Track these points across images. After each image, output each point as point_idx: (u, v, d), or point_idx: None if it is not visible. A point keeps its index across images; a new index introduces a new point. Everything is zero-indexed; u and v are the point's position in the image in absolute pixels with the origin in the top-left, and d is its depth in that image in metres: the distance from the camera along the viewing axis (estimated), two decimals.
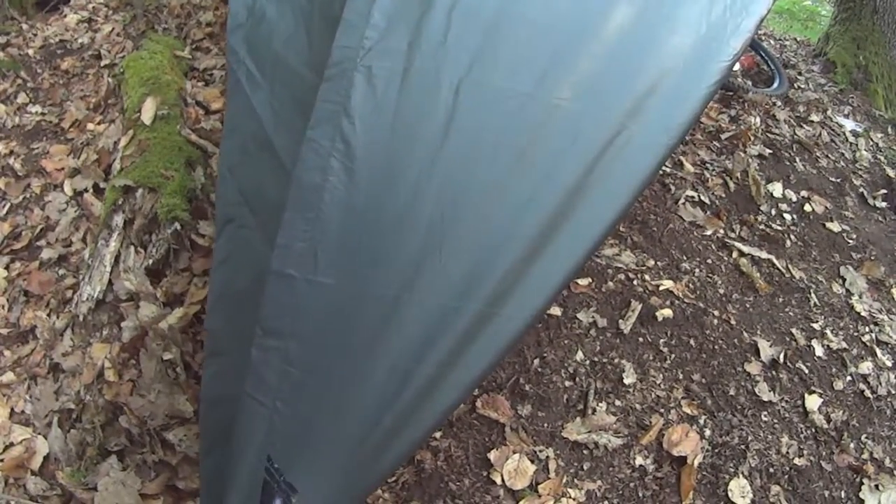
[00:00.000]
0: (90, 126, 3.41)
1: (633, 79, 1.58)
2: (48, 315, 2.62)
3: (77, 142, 3.37)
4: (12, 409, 2.34)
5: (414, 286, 1.47)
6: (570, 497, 1.97)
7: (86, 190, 3.01)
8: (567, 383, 2.21)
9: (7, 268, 2.84)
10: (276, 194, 1.62)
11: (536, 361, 2.22)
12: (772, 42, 5.13)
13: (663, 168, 3.04)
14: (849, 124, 4.08)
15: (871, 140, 4.04)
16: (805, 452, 2.25)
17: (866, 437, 2.37)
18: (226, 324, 1.73)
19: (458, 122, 1.50)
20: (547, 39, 1.58)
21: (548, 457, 2.04)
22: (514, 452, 2.02)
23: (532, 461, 2.02)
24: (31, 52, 4.15)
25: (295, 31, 1.81)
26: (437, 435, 2.02)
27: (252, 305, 1.54)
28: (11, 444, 2.21)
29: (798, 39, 5.50)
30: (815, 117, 3.92)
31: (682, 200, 2.95)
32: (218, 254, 1.83)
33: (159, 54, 3.30)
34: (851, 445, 2.32)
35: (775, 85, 4.03)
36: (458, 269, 1.48)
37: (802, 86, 4.30)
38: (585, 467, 2.05)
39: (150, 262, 2.43)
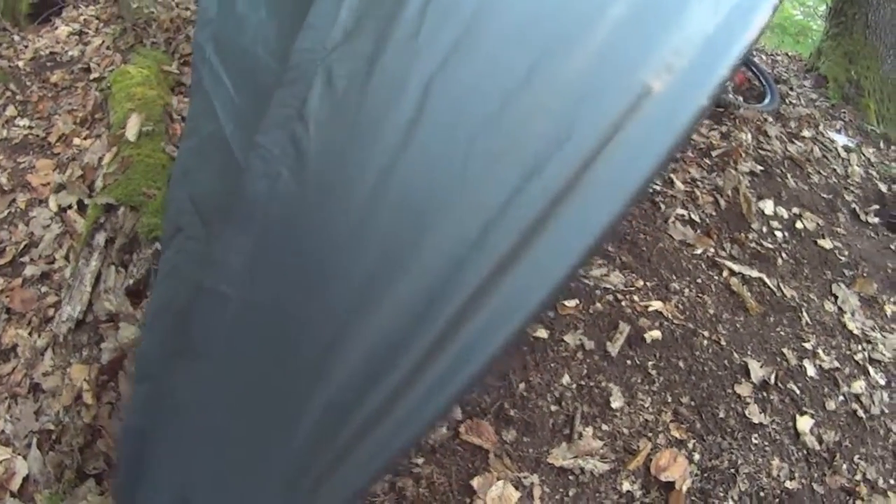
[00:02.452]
0: (76, 141, 3.38)
1: (629, 79, 1.41)
2: (29, 334, 2.58)
3: (63, 156, 3.34)
4: None
5: (365, 308, 1.30)
6: None
7: (70, 206, 2.97)
8: (553, 408, 2.17)
9: None
10: (227, 201, 1.49)
11: (522, 385, 2.18)
12: (763, 57, 5.13)
13: (653, 186, 3.03)
14: (841, 139, 4.07)
15: (863, 155, 4.04)
16: (796, 475, 2.23)
17: (859, 458, 2.34)
18: (159, 345, 1.55)
19: (425, 123, 1.35)
20: (535, 33, 1.43)
21: (532, 483, 2.00)
22: (498, 479, 1.98)
23: (516, 488, 1.97)
24: (21, 63, 4.14)
25: (266, 21, 1.67)
26: (420, 461, 1.98)
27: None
28: None
29: (789, 55, 5.50)
30: (806, 133, 3.91)
31: (671, 219, 2.92)
32: (163, 266, 1.68)
33: (146, 69, 3.28)
34: (844, 467, 2.29)
35: (767, 101, 4.03)
36: (417, 288, 1.30)
37: (794, 101, 4.30)
38: (571, 494, 2.01)
39: (131, 282, 2.38)
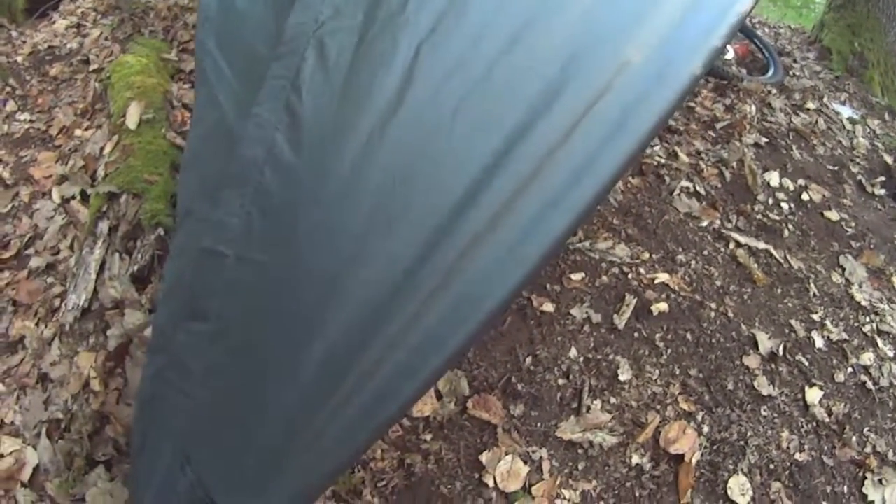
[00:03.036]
0: (77, 132, 3.38)
1: (615, 44, 1.42)
2: (36, 325, 2.59)
3: (65, 148, 3.34)
4: (2, 421, 2.31)
5: (357, 262, 1.34)
6: (564, 498, 1.92)
7: (73, 197, 2.97)
8: (560, 381, 2.16)
9: None
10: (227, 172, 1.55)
11: (529, 360, 2.18)
12: (766, 30, 5.09)
13: (658, 159, 3.01)
14: (845, 111, 4.04)
15: (868, 127, 4.00)
16: (806, 447, 2.21)
17: (868, 430, 2.32)
18: (171, 318, 1.62)
19: (414, 88, 1.40)
20: (520, 1, 1.47)
21: (541, 457, 2.00)
22: (507, 454, 1.98)
23: (525, 462, 1.97)
24: (20, 59, 4.13)
25: (264, 17, 1.73)
26: (428, 437, 1.98)
27: None
28: (1, 456, 2.18)
29: (792, 27, 5.45)
30: (811, 105, 3.88)
31: (677, 191, 2.91)
32: (174, 248, 1.76)
33: (145, 58, 3.27)
34: (853, 439, 2.27)
35: (770, 73, 3.99)
36: (408, 242, 1.33)
37: (798, 73, 4.26)
38: (580, 467, 2.01)
39: (135, 268, 2.39)
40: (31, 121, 3.63)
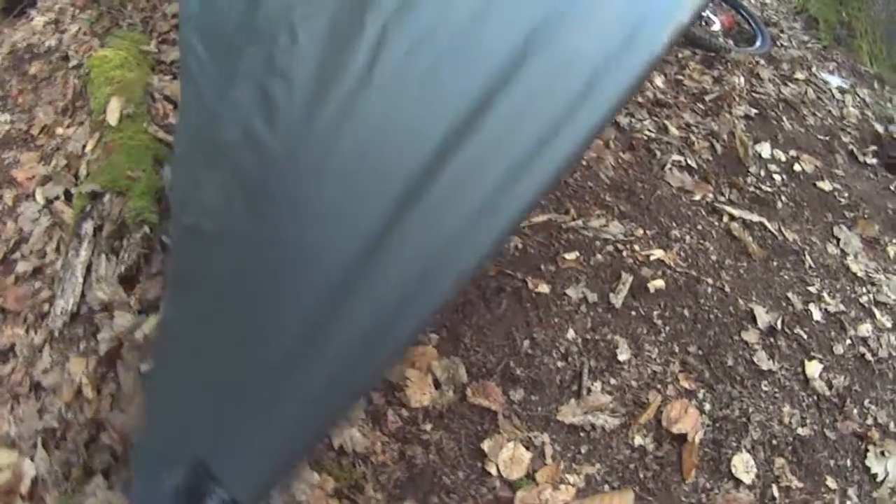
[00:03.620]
0: (59, 130, 3.31)
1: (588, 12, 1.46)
2: (26, 331, 2.54)
3: (47, 148, 3.28)
4: None
5: (326, 231, 1.41)
6: (568, 483, 1.90)
7: (57, 197, 2.92)
8: (559, 364, 2.14)
9: None
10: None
11: (526, 343, 2.15)
12: (752, 0, 5.05)
13: (648, 133, 2.98)
14: (834, 81, 4.02)
15: (858, 96, 3.99)
16: (808, 421, 2.21)
17: (869, 402, 2.32)
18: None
19: (382, 62, 1.46)
20: None
21: (543, 443, 1.97)
22: (509, 440, 1.95)
23: (527, 448, 1.95)
24: None
25: (246, 12, 1.75)
26: (428, 427, 1.95)
27: None
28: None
29: None
30: (799, 75, 3.86)
31: (668, 166, 2.88)
32: (172, 245, 1.82)
33: (124, 51, 3.20)
34: (855, 411, 2.27)
35: (758, 44, 3.96)
36: (375, 210, 1.38)
37: (785, 44, 4.24)
38: (583, 451, 1.99)
39: (122, 269, 2.34)
40: (11, 122, 3.56)
